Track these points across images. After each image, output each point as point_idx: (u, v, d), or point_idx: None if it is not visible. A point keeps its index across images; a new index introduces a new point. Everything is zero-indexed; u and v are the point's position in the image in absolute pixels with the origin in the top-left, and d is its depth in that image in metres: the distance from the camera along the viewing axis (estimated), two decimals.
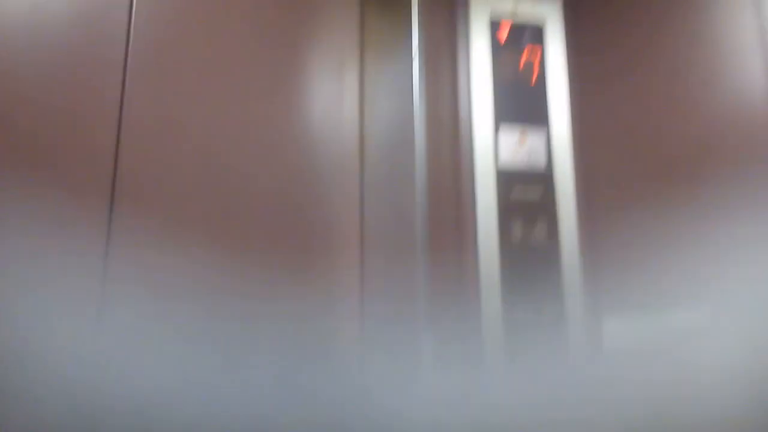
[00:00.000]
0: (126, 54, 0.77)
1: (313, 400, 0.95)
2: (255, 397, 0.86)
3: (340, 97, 1.18)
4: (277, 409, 0.89)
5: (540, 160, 1.28)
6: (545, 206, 1.25)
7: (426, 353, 1.03)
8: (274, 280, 0.94)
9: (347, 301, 1.09)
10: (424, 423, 0.98)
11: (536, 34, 1.36)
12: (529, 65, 1.33)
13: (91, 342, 0.69)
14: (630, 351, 1.19)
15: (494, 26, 1.33)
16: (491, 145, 1.25)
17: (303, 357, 0.96)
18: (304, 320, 0.98)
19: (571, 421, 1.12)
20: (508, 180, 1.25)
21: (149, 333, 0.75)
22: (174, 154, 0.82)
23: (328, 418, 0.96)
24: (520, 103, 1.30)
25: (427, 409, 1.00)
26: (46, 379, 0.63)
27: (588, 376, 1.17)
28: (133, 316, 0.73)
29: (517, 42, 1.34)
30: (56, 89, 0.69)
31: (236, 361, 0.85)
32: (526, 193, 1.25)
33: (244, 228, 0.92)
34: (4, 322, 0.61)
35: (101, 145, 0.73)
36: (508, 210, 1.23)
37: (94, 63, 0.73)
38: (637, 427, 1.12)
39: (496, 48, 1.32)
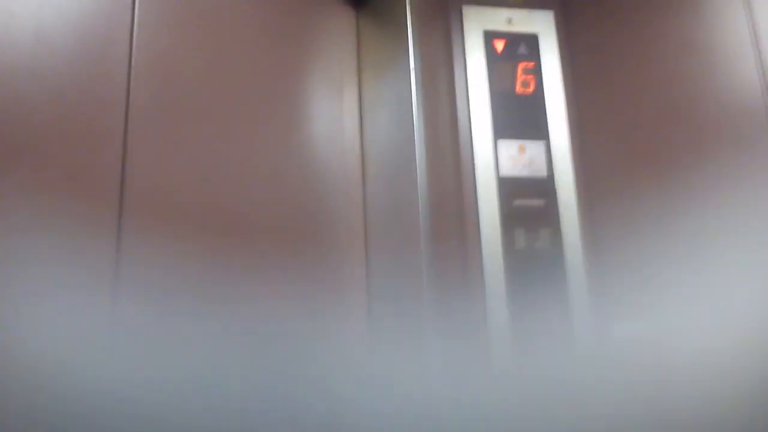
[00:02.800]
0: (129, 77, 0.80)
1: (321, 396, 0.98)
2: (263, 393, 0.89)
3: (339, 115, 1.21)
4: (285, 405, 0.91)
5: (541, 168, 1.30)
6: (548, 212, 1.27)
7: (433, 364, 1.04)
8: (281, 284, 0.97)
9: (353, 309, 1.12)
10: (430, 423, 1.00)
11: (531, 44, 1.38)
12: (525, 74, 1.35)
13: (103, 344, 0.71)
14: (638, 353, 1.19)
15: (489, 38, 1.36)
16: (491, 155, 1.28)
17: (310, 355, 0.99)
18: (310, 321, 1.01)
19: (578, 423, 1.13)
20: (509, 188, 1.27)
21: (160, 335, 0.77)
22: (179, 177, 0.85)
23: (335, 415, 0.98)
24: (519, 112, 1.32)
25: (433, 410, 1.02)
26: (55, 384, 0.66)
27: (595, 379, 1.18)
28: (144, 319, 0.76)
29: (513, 52, 1.36)
30: (61, 112, 0.72)
31: (245, 361, 0.88)
32: (528, 201, 1.27)
33: (252, 233, 0.94)
34: (16, 329, 0.63)
35: (108, 159, 0.76)
36: (510, 217, 1.25)
37: (98, 86, 0.77)
38: (645, 428, 1.13)
39: (492, 59, 1.34)
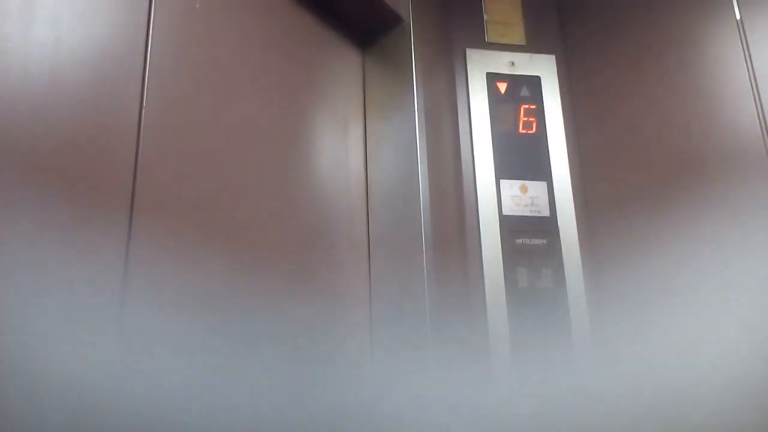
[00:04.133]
0: (140, 119, 0.82)
1: (323, 408, 0.97)
2: (267, 402, 0.88)
3: (345, 153, 1.23)
4: (289, 414, 0.91)
5: (543, 207, 1.31)
6: (550, 252, 1.28)
7: (436, 398, 1.04)
8: (288, 296, 0.98)
9: (356, 345, 1.12)
10: None
11: (534, 86, 1.41)
12: (528, 116, 1.38)
13: (110, 349, 0.72)
14: (639, 390, 1.18)
15: (492, 80, 1.39)
16: (494, 194, 1.29)
17: (314, 367, 0.99)
18: (315, 335, 1.01)
19: None
20: (511, 227, 1.28)
21: (167, 340, 0.78)
22: (187, 211, 0.86)
23: (336, 427, 0.98)
24: (521, 152, 1.35)
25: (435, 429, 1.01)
26: (62, 387, 0.66)
27: (598, 418, 1.17)
28: (150, 324, 0.77)
29: (515, 94, 1.39)
30: (73, 154, 0.74)
31: (251, 370, 0.88)
32: (530, 240, 1.28)
33: (259, 267, 0.95)
34: (24, 332, 0.64)
35: (117, 206, 0.78)
36: (513, 256, 1.26)
37: (110, 129, 0.79)
38: None
39: (495, 100, 1.37)
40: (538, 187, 1.32)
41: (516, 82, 1.40)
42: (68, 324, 0.67)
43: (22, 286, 0.64)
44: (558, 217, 1.31)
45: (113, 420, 0.69)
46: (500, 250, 1.26)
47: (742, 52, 1.27)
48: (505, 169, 1.32)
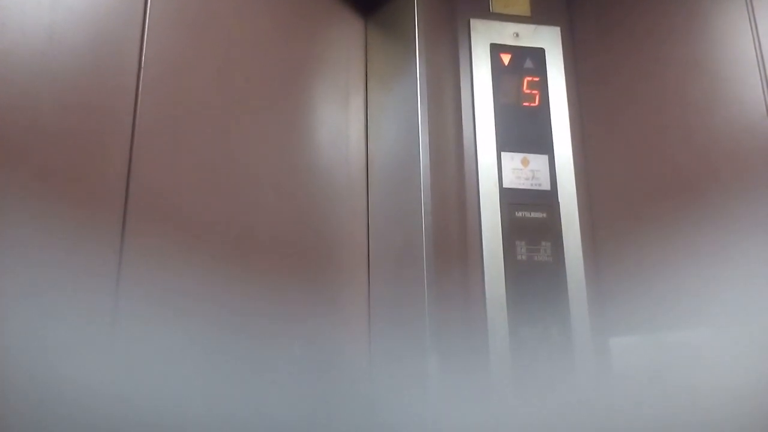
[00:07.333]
0: (138, 82, 0.81)
1: (322, 416, 0.97)
2: (265, 412, 0.88)
3: (345, 123, 1.22)
4: (286, 424, 0.91)
5: (543, 181, 1.30)
6: (549, 225, 1.28)
7: (433, 372, 1.04)
8: (284, 298, 0.97)
9: (355, 318, 1.12)
10: None
11: (538, 58, 1.39)
12: (531, 88, 1.37)
13: (104, 356, 0.71)
14: (637, 369, 1.19)
15: (496, 51, 1.37)
16: (494, 166, 1.29)
17: (312, 372, 0.99)
18: (312, 337, 1.01)
19: None
20: (512, 200, 1.28)
21: (161, 348, 0.77)
22: (184, 183, 0.85)
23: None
24: (523, 125, 1.33)
25: (434, 428, 1.02)
26: (58, 395, 0.66)
27: (595, 393, 1.18)
28: (145, 332, 0.76)
29: (519, 66, 1.38)
30: (70, 114, 0.73)
31: (246, 378, 0.88)
32: (530, 213, 1.28)
33: (255, 244, 0.95)
34: (18, 339, 0.64)
35: (114, 167, 0.77)
36: (512, 229, 1.26)
37: (107, 90, 0.78)
38: None
39: (498, 72, 1.36)
40: (539, 161, 1.31)
41: (520, 53, 1.38)
42: (58, 328, 0.65)
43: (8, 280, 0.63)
44: (558, 191, 1.30)
45: (106, 427, 0.68)
46: (500, 223, 1.25)
47: (749, 28, 1.25)
48: (506, 142, 1.31)
